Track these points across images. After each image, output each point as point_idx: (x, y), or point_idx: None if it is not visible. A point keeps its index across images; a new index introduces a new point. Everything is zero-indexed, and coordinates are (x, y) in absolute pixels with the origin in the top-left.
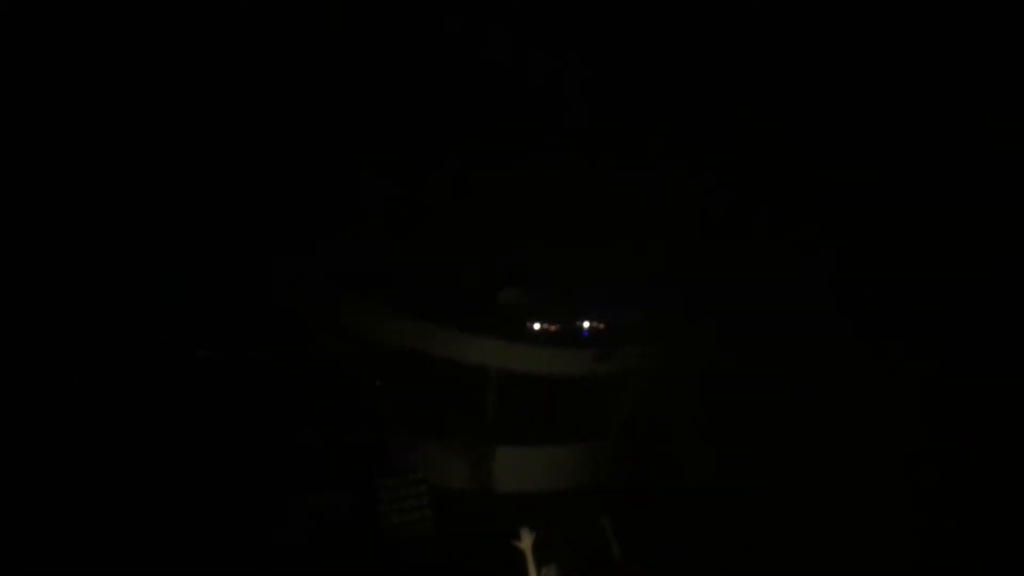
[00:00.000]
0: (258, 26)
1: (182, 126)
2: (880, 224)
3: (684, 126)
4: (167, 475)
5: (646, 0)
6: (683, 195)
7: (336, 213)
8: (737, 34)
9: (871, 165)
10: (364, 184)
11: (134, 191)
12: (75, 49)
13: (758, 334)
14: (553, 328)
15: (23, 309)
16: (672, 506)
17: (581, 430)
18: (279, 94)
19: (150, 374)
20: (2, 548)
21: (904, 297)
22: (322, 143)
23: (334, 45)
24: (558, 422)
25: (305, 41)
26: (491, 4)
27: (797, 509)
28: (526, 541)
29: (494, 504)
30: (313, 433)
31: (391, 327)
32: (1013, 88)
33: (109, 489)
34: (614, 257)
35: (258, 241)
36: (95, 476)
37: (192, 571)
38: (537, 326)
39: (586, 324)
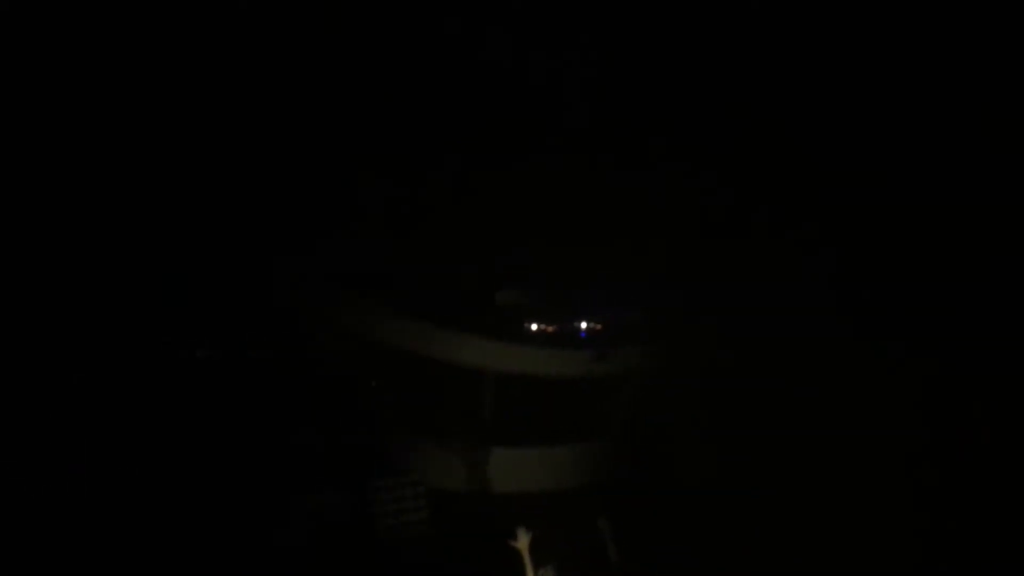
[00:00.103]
0: (258, 26)
1: (182, 126)
2: (880, 224)
3: (684, 126)
4: (167, 475)
5: (646, 0)
6: (683, 195)
7: (336, 213)
8: (737, 34)
9: (871, 165)
10: (364, 184)
11: (134, 191)
12: (75, 49)
13: (758, 334)
14: (550, 329)
15: (23, 309)
16: (671, 506)
17: (579, 431)
18: (279, 94)
19: (150, 374)
20: (2, 548)
21: (904, 297)
22: (322, 143)
23: (334, 45)
24: (556, 423)
25: (305, 41)
26: (491, 4)
27: (797, 509)
28: (523, 541)
29: (492, 505)
30: (313, 433)
31: (390, 327)
32: (1013, 88)
33: (109, 489)
34: (614, 257)
35: (258, 241)
36: (95, 476)
37: (192, 571)
38: (535, 327)
39: (583, 325)
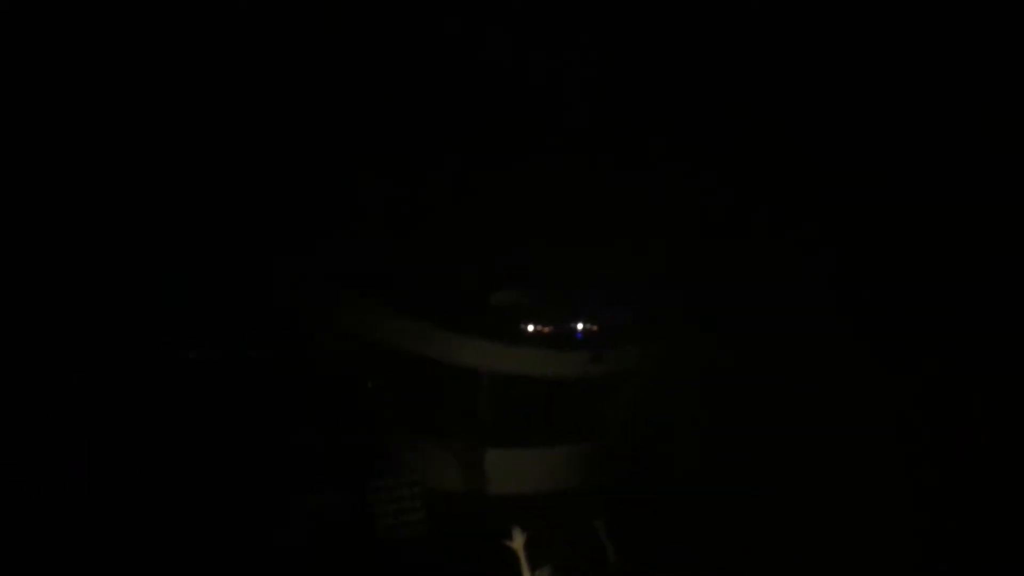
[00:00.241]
0: (257, 25)
1: (181, 126)
2: (880, 224)
3: (684, 126)
4: (166, 475)
5: (646, 0)
6: (683, 195)
7: (336, 213)
8: (737, 34)
9: (871, 165)
10: (364, 184)
11: (133, 191)
12: (74, 48)
13: (758, 334)
14: (546, 330)
15: (22, 309)
16: (670, 507)
17: (577, 431)
18: (279, 94)
19: (149, 374)
20: (2, 548)
21: (904, 297)
22: (322, 143)
23: (334, 45)
24: (554, 423)
25: (305, 41)
26: (491, 4)
27: (796, 510)
28: (518, 541)
29: (490, 505)
30: (312, 433)
31: (389, 328)
32: (1013, 88)
33: (109, 489)
34: (614, 257)
35: (258, 241)
36: (94, 476)
37: (192, 571)
38: (531, 328)
39: (579, 326)
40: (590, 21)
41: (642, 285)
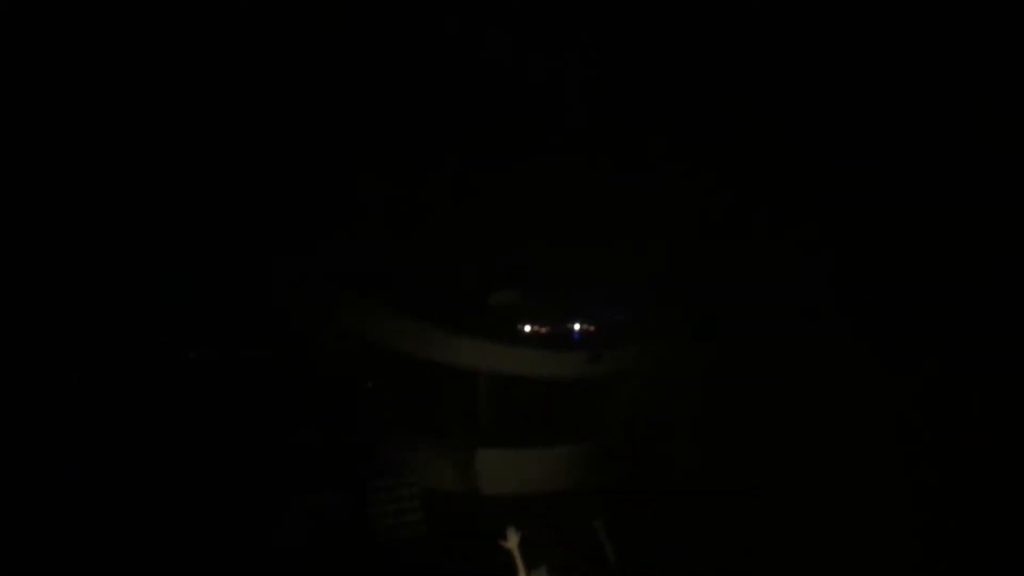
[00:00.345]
0: (257, 25)
1: (181, 125)
2: (880, 224)
3: (684, 126)
4: (166, 475)
5: (646, 0)
6: (683, 195)
7: (336, 213)
8: (737, 34)
9: (871, 165)
10: (364, 184)
11: (133, 191)
12: (74, 48)
13: (758, 334)
14: (543, 330)
15: (22, 309)
16: (669, 507)
17: (576, 431)
18: (278, 93)
19: (149, 374)
20: (2, 548)
21: (904, 297)
22: (321, 143)
23: (333, 44)
24: (553, 423)
25: (304, 40)
26: (491, 4)
27: (796, 510)
28: (512, 540)
29: (488, 506)
30: (312, 433)
31: (388, 328)
32: (1013, 88)
33: (108, 489)
34: (613, 257)
35: (258, 241)
36: (94, 476)
37: (192, 571)
38: (528, 328)
39: (576, 327)
40: (590, 21)
41: (641, 285)
